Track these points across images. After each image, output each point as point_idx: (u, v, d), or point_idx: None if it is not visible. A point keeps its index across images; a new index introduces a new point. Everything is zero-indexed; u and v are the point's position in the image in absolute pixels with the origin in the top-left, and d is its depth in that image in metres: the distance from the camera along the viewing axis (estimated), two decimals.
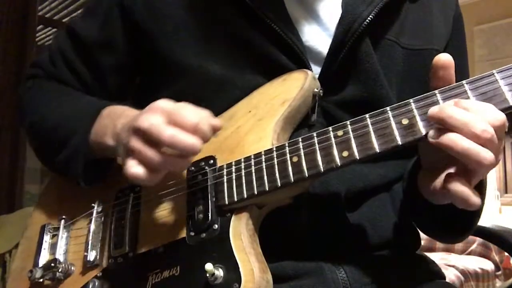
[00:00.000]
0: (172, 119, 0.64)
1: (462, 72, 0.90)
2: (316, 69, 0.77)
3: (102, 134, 0.75)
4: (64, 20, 4.01)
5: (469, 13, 3.90)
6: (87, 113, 0.80)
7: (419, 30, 0.83)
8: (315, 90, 0.73)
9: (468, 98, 0.59)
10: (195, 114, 0.65)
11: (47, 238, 0.84)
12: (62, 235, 0.83)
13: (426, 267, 0.84)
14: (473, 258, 3.64)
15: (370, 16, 0.75)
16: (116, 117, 0.74)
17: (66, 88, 0.90)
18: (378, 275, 0.75)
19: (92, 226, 0.79)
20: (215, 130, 0.67)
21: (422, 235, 0.87)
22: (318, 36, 0.79)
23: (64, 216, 0.84)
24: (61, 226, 0.84)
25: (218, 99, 0.78)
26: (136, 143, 0.65)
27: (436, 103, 0.60)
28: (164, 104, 0.67)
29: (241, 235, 0.65)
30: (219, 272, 0.62)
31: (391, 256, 0.79)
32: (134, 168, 0.65)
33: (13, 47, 2.65)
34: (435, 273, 0.85)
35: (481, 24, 4.82)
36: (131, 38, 0.87)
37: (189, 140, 0.63)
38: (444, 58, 0.63)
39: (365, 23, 0.75)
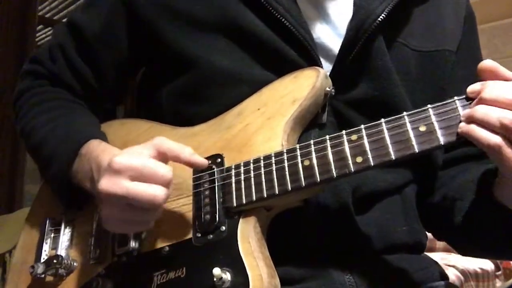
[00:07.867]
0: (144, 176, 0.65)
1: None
2: (327, 66, 0.76)
3: (82, 178, 0.75)
4: (64, 20, 3.99)
5: None
6: (68, 146, 0.78)
7: (430, 32, 0.82)
8: (327, 89, 0.71)
9: None
10: (163, 167, 0.66)
11: (49, 233, 0.82)
12: (65, 230, 0.81)
13: (431, 269, 0.84)
14: (473, 258, 3.63)
15: (384, 13, 0.74)
16: (92, 159, 0.73)
17: (61, 98, 0.88)
18: (385, 279, 0.74)
19: (96, 222, 0.78)
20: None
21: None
22: (329, 33, 0.77)
23: (66, 211, 0.83)
24: (63, 221, 0.82)
25: (225, 95, 0.76)
26: (124, 214, 0.66)
27: (455, 110, 0.59)
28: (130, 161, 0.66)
29: (249, 238, 0.64)
30: (227, 276, 0.61)
31: (398, 259, 0.77)
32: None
33: (13, 47, 2.64)
34: (440, 274, 0.84)
35: (481, 24, 4.79)
36: (134, 34, 0.85)
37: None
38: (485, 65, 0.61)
39: (379, 19, 0.73)
